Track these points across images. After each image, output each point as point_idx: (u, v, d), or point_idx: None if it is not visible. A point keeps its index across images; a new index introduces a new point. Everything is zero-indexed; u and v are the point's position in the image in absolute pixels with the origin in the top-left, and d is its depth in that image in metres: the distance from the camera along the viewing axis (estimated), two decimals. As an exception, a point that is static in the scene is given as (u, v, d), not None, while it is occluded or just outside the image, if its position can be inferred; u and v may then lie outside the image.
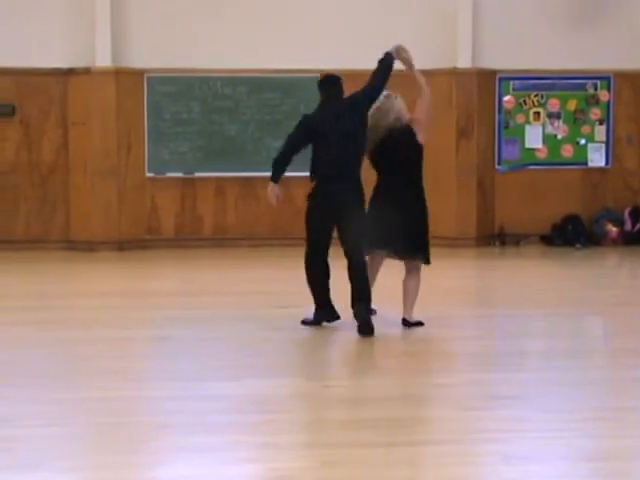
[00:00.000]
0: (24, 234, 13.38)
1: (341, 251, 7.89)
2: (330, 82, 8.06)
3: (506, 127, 13.87)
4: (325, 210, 7.82)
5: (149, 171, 13.44)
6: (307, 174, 7.98)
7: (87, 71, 13.09)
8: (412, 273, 7.97)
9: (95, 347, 7.38)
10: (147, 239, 13.52)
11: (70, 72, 13.17)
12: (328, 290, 7.96)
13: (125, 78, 13.22)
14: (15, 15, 13.10)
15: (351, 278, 7.79)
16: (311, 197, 7.95)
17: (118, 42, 13.19)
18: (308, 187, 7.98)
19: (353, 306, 7.75)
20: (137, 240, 13.42)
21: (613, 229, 13.81)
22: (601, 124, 13.97)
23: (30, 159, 13.34)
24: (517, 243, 13.75)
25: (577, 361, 7.02)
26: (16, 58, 13.09)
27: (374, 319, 7.74)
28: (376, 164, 8.08)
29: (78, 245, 13.33)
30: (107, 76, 13.09)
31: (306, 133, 7.88)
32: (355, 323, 7.69)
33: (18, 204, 13.36)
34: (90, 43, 13.09)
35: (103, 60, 13.08)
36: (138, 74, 13.27)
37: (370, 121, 7.92)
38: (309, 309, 8.08)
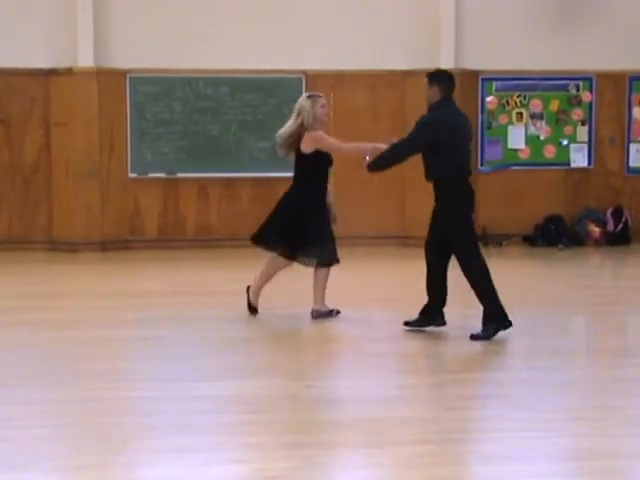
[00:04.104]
0: (6, 234, 13.32)
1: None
2: (452, 79, 7.81)
3: (489, 128, 13.90)
4: (471, 209, 7.71)
5: (132, 171, 13.41)
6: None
7: (69, 71, 13.04)
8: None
9: (78, 348, 7.36)
10: (130, 240, 13.48)
11: (52, 72, 13.11)
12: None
13: (107, 78, 13.17)
14: (-3, 15, 13.06)
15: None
16: (458, 200, 7.60)
17: (100, 42, 13.14)
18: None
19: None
20: (120, 241, 13.39)
21: (595, 229, 13.86)
22: (583, 125, 14.02)
23: (12, 159, 13.28)
24: (500, 243, 13.78)
25: (559, 361, 7.04)
26: (-3, 58, 13.05)
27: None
28: None
29: (60, 246, 13.28)
30: (89, 76, 13.05)
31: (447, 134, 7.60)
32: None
33: (0, 204, 13.32)
34: (72, 43, 13.03)
35: (85, 60, 13.02)
36: (120, 74, 13.23)
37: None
38: (293, 310, 8.07)
